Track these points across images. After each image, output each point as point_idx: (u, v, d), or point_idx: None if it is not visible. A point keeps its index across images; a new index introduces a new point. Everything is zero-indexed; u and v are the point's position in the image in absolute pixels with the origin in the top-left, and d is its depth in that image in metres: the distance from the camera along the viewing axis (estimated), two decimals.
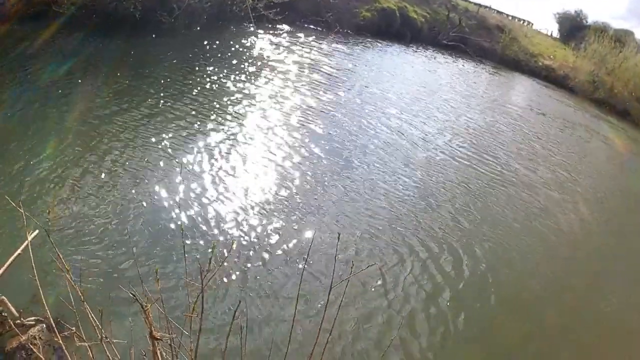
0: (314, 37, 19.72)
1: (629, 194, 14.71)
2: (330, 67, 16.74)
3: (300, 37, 19.06)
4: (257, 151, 9.92)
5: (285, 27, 19.57)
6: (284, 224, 7.85)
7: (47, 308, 3.85)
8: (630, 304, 8.62)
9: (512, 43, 29.01)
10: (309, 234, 7.64)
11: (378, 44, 21.85)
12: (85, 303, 3.59)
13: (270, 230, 7.60)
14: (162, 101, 11.03)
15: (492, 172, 12.15)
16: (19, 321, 4.73)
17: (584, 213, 11.85)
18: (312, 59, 16.85)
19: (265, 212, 7.99)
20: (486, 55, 27.48)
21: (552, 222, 10.79)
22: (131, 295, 3.58)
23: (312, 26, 20.92)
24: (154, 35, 14.88)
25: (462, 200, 10.43)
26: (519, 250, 9.22)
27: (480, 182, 11.42)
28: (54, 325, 3.87)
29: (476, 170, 11.95)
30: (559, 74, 28.29)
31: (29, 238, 4.39)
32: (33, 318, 4.86)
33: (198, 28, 16.38)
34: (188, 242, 6.85)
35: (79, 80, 11.11)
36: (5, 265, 4.75)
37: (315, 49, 18.19)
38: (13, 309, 4.75)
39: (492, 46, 28.01)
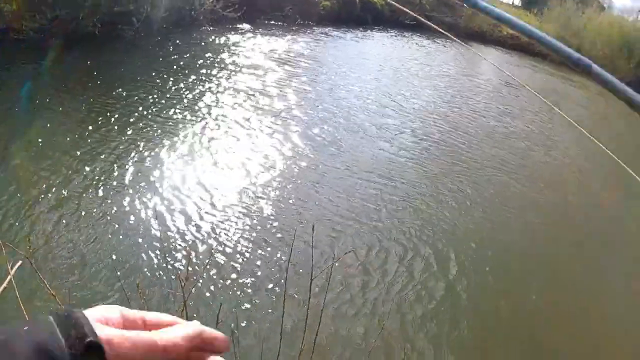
0: (275, 32, 19.73)
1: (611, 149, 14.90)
2: (294, 60, 16.78)
3: (261, 34, 19.07)
4: (227, 152, 10.01)
5: (246, 25, 19.54)
6: (262, 223, 7.92)
7: None
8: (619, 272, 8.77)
9: (473, 16, 29.01)
10: (289, 230, 7.67)
11: (340, 31, 21.88)
12: None
13: (250, 231, 7.66)
14: (131, 115, 11.07)
15: (470, 154, 12.22)
16: None
17: (567, 178, 11.99)
18: (275, 55, 16.88)
19: (242, 213, 8.06)
20: (450, 30, 27.32)
21: (536, 192, 10.93)
22: None
23: (273, 21, 20.89)
24: (116, 50, 14.83)
25: (440, 182, 10.52)
26: (502, 225, 9.34)
27: (459, 164, 11.50)
28: None
29: (453, 154, 12.01)
30: (525, 41, 28.22)
31: (13, 270, 4.36)
32: None
33: (159, 37, 16.32)
34: (170, 255, 6.89)
35: (47, 104, 11.08)
36: None
37: (277, 44, 18.22)
38: None
39: (454, 21, 28.05)
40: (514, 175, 11.36)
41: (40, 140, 9.51)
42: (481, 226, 9.11)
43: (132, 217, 7.57)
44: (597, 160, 13.07)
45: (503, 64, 23.79)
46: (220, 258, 7.04)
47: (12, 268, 4.45)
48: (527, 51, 27.19)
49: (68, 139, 9.68)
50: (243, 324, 5.92)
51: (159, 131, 10.53)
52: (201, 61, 15.25)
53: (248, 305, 6.24)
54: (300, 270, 6.71)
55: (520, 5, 40.51)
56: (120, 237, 7.12)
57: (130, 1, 15.72)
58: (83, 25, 14.75)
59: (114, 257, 6.68)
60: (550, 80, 21.83)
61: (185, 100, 12.28)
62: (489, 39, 28.00)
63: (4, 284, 4.81)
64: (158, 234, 7.29)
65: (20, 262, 5.19)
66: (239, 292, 6.45)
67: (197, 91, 12.98)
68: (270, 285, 6.63)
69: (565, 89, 21.04)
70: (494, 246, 8.55)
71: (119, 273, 6.37)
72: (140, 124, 10.69)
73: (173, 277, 6.40)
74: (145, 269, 6.56)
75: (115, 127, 10.48)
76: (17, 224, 7.05)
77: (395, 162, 10.87)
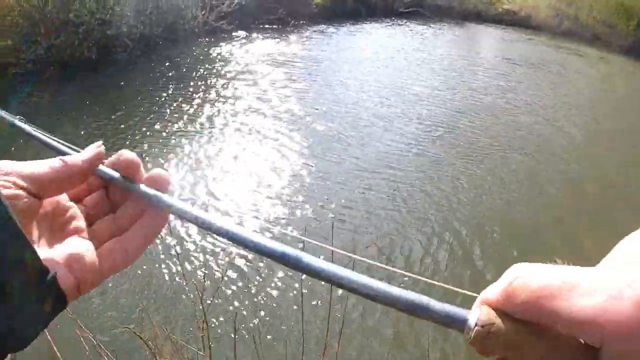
0: (270, 36, 19.72)
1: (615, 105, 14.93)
2: (291, 62, 16.82)
3: (257, 40, 19.09)
4: (235, 160, 10.16)
5: (241, 32, 19.55)
6: (276, 225, 7.98)
7: None
8: None
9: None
10: (303, 229, 7.70)
11: (333, 27, 21.84)
12: (98, 349, 3.69)
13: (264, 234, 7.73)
14: (136, 135, 11.19)
15: (477, 134, 12.21)
16: None
17: (574, 148, 11.94)
18: (272, 59, 16.93)
19: (255, 218, 8.17)
20: (446, 13, 27.23)
21: (545, 165, 10.93)
22: (142, 341, 3.69)
23: (267, 26, 20.86)
24: (114, 72, 14.93)
25: (451, 166, 10.56)
26: (517, 204, 9.35)
27: (467, 146, 11.50)
28: None
29: (460, 137, 12.03)
30: (522, 16, 28.11)
31: None
32: None
33: (155, 55, 16.37)
34: (186, 268, 6.97)
35: (51, 132, 11.16)
36: None
37: (273, 47, 18.27)
38: None
39: (449, 3, 27.83)
40: (522, 151, 11.36)
41: None
42: (499, 207, 9.13)
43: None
44: (603, 127, 13.08)
45: (500, 41, 23.70)
46: (237, 265, 7.11)
47: None
48: (524, 25, 27.02)
49: None
50: (264, 329, 5.97)
51: (165, 147, 10.61)
52: (199, 73, 15.32)
53: (268, 310, 6.29)
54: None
55: None
56: (140, 262, 7.19)
57: (122, 23, 15.80)
58: (79, 51, 14.85)
59: (131, 273, 6.75)
60: (547, 52, 21.69)
61: (188, 114, 12.36)
62: (484, 18, 27.79)
63: None
64: (174, 245, 7.37)
65: None
66: (257, 298, 6.50)
67: (199, 103, 13.06)
68: (291, 286, 6.68)
69: (565, 58, 20.91)
70: (515, 227, 8.57)
71: (135, 287, 6.44)
72: (145, 144, 10.77)
73: (192, 289, 6.49)
74: (163, 281, 6.65)
75: (126, 145, 10.57)
76: None
77: (403, 151, 10.90)
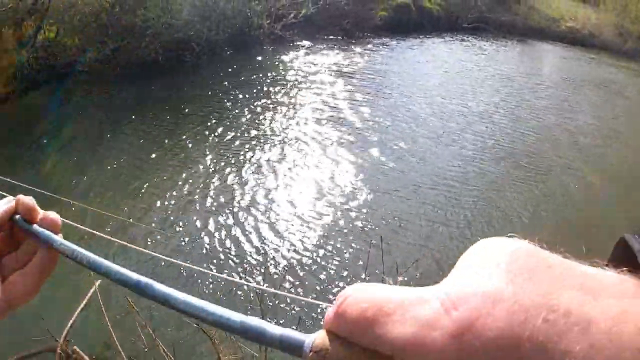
0: (335, 46, 19.79)
1: None
2: (357, 73, 16.93)
3: (322, 50, 19.20)
4: (303, 167, 10.39)
5: (306, 42, 19.73)
6: (343, 234, 8.20)
7: (120, 350, 4.16)
8: None
9: (530, 12, 28.42)
10: (371, 240, 7.67)
11: (396, 41, 21.72)
12: (157, 340, 3.87)
13: (331, 242, 7.94)
14: (206, 137, 11.51)
15: (544, 155, 12.12)
16: None
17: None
18: (338, 69, 17.12)
19: (321, 225, 8.43)
20: (509, 29, 26.89)
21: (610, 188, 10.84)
22: (201, 330, 3.86)
23: (332, 36, 20.98)
24: (179, 75, 15.29)
25: (521, 185, 10.54)
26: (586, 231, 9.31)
27: (532, 166, 11.44)
28: None
29: (528, 156, 11.99)
30: (585, 34, 27.59)
31: (95, 286, 4.71)
32: None
33: (220, 60, 16.65)
34: (247, 271, 7.14)
35: (119, 129, 11.65)
36: (75, 315, 5.03)
37: (339, 58, 18.35)
38: (87, 358, 5.03)
39: (512, 19, 27.53)
40: (582, 173, 11.26)
41: (115, 164, 9.96)
42: (562, 229, 9.09)
43: (207, 240, 7.88)
44: None
45: (562, 59, 23.37)
46: (297, 271, 7.27)
47: (95, 285, 4.81)
48: (587, 44, 26.56)
49: (147, 163, 10.10)
50: None
51: (228, 152, 10.89)
52: (264, 80, 15.65)
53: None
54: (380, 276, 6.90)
55: None
56: (198, 254, 7.44)
57: (190, 27, 16.14)
58: (145, 53, 15.35)
59: (183, 273, 6.98)
60: (610, 72, 21.19)
61: (251, 120, 12.70)
62: (547, 35, 27.36)
63: (85, 300, 5.13)
64: (235, 250, 7.59)
65: (99, 280, 5.53)
66: (314, 306, 6.63)
67: (263, 110, 13.37)
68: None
69: (627, 79, 20.40)
70: (577, 250, 8.56)
71: (197, 287, 6.66)
72: (215, 149, 11.07)
73: (251, 294, 6.65)
74: (222, 284, 6.85)
75: (190, 147, 10.92)
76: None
77: (465, 168, 10.87)
